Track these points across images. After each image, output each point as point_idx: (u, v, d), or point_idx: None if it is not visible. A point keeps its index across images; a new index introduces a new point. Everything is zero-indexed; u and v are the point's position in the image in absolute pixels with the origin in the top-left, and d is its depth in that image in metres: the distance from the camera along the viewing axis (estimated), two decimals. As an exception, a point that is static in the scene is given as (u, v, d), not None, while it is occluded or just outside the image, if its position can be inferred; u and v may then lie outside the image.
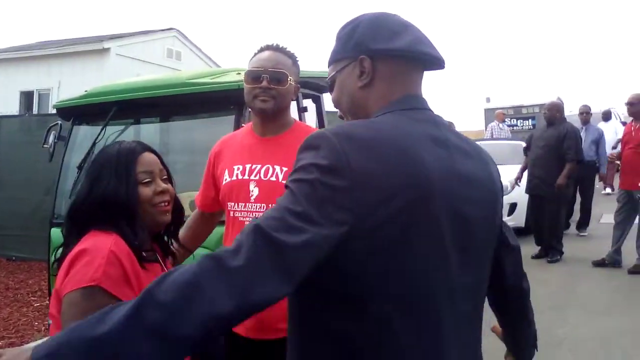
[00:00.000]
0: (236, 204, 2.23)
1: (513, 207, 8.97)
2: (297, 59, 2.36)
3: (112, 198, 1.63)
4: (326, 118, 4.86)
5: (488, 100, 19.30)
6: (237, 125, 3.58)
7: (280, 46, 2.33)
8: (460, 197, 1.21)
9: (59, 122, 4.49)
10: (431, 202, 1.15)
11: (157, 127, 4.42)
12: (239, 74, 3.92)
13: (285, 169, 2.18)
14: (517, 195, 8.63)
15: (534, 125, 17.49)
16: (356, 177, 1.09)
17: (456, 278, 1.20)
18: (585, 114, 9.72)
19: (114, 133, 4.07)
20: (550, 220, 7.70)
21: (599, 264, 7.19)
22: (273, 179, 2.17)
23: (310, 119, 4.79)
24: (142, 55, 10.48)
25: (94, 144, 4.12)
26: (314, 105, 4.98)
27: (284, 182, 2.16)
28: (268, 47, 2.30)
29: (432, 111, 1.32)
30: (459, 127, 12.22)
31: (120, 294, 1.50)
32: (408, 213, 1.11)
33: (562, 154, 7.44)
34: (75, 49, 12.64)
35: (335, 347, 1.15)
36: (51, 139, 4.50)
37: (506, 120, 15.50)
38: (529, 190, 7.96)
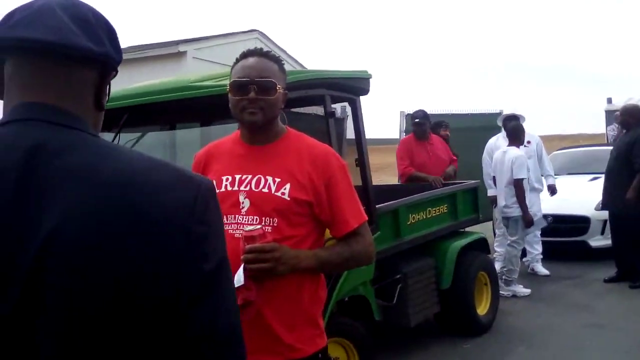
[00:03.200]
0: (226, 217, 2.15)
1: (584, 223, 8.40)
2: (283, 63, 2.29)
3: None
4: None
5: (609, 101, 18.00)
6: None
7: (265, 51, 2.27)
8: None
9: None
10: None
11: (166, 132, 4.33)
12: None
13: (278, 179, 2.14)
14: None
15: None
16: None
17: None
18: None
19: (129, 141, 4.03)
20: (632, 238, 6.98)
21: None
22: (265, 190, 2.12)
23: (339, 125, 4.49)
24: (222, 58, 10.59)
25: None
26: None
27: (276, 193, 2.06)
28: (252, 53, 2.23)
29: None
30: (574, 130, 11.43)
31: None
32: None
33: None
34: (151, 53, 12.94)
35: None
36: None
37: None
38: (603, 206, 7.27)
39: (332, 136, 4.17)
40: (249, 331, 2.18)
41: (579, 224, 8.51)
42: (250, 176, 2.16)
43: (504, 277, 6.89)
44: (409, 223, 5.10)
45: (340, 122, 8.61)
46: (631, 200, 6.75)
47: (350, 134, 4.94)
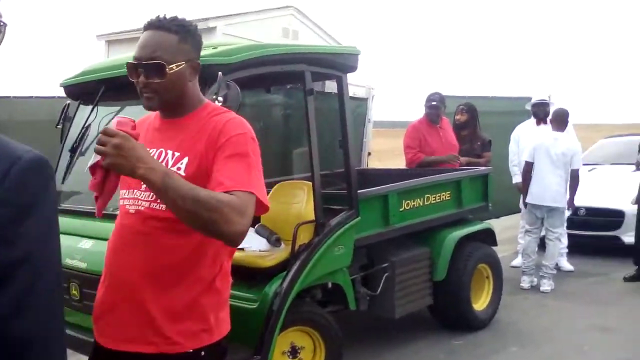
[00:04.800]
0: (127, 192, 2.09)
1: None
2: (189, 30, 2.09)
3: None
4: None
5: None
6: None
7: (164, 20, 2.07)
8: None
9: (69, 102, 4.45)
10: None
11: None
12: (215, 48, 3.65)
13: (177, 154, 2.02)
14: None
15: None
16: None
17: None
18: None
19: (108, 114, 3.99)
20: None
21: None
22: (162, 164, 1.94)
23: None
24: (254, 35, 10.45)
25: (86, 125, 4.08)
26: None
27: (172, 168, 1.94)
28: (148, 26, 2.07)
29: None
30: (626, 121, 10.95)
31: None
32: None
33: None
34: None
35: None
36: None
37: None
38: (636, 200, 6.88)
39: (310, 116, 4.04)
40: (122, 313, 2.11)
41: (613, 217, 8.10)
42: (154, 150, 2.04)
43: (548, 272, 6.74)
44: (401, 210, 4.92)
45: (362, 102, 8.43)
46: None
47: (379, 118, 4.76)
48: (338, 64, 4.28)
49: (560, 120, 6.83)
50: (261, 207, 1.96)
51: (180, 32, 2.04)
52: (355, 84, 8.18)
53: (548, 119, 7.34)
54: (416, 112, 6.79)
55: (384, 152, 16.67)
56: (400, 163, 7.22)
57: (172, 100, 2.05)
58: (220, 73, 3.02)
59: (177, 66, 2.00)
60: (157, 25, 2.04)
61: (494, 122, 8.34)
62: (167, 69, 1.98)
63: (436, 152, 6.43)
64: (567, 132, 6.98)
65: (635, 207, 7.58)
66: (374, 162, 10.50)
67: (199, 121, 2.06)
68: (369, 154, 9.97)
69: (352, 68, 4.37)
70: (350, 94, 8.05)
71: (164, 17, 2.07)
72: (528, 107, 7.85)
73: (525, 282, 6.81)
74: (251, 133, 2.04)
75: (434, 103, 6.56)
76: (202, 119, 2.07)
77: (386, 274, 4.79)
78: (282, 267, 3.96)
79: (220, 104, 2.74)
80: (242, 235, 1.88)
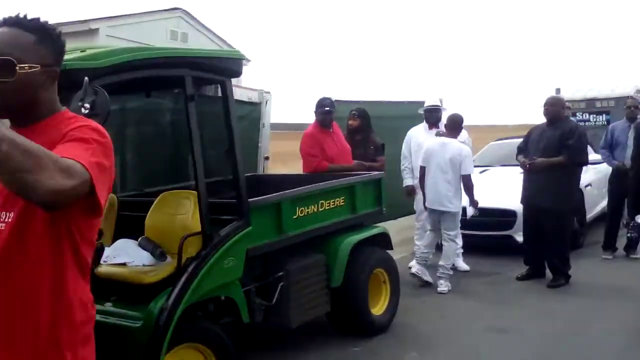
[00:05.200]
0: None
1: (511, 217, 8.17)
2: (50, 34, 1.87)
3: None
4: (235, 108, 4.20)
5: (558, 92, 17.97)
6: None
7: (23, 18, 1.84)
8: None
9: None
10: None
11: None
12: (84, 51, 3.40)
13: None
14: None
15: (608, 121, 16.12)
16: None
17: None
18: (634, 108, 8.58)
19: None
20: (555, 236, 6.86)
21: None
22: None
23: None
24: (140, 37, 10.18)
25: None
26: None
27: None
28: (3, 23, 1.83)
29: None
30: (518, 122, 11.36)
31: None
32: None
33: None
34: (63, 30, 12.09)
35: None
36: None
37: (577, 114, 14.44)
38: (525, 200, 7.11)
39: (192, 122, 3.86)
40: None
41: (506, 217, 8.30)
42: None
43: (444, 273, 6.82)
44: (295, 217, 4.80)
45: (256, 106, 8.26)
46: (536, 165, 6.74)
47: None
48: (221, 68, 4.12)
49: (453, 127, 6.96)
50: (94, 205, 1.68)
51: (39, 34, 1.82)
52: (250, 87, 8.05)
53: (441, 124, 7.48)
54: (310, 116, 6.66)
55: (288, 155, 16.56)
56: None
57: (18, 106, 1.80)
58: (86, 78, 2.79)
59: (29, 67, 1.76)
60: (13, 22, 1.82)
61: (387, 126, 8.39)
62: (17, 67, 1.73)
63: (334, 158, 6.35)
64: (460, 137, 7.13)
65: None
66: (278, 166, 10.39)
67: (49, 129, 1.82)
68: (267, 158, 9.83)
69: (236, 73, 4.21)
70: (244, 99, 7.95)
71: (24, 16, 1.85)
72: (421, 111, 7.95)
73: (414, 267, 7.00)
74: (105, 137, 1.80)
75: (326, 108, 6.50)
76: (54, 126, 1.82)
77: (281, 284, 4.66)
78: (169, 282, 3.77)
79: (87, 111, 2.51)
80: (59, 196, 1.54)
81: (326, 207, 5.15)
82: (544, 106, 6.98)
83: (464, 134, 7.62)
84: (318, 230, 5.03)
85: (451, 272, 6.94)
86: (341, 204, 5.33)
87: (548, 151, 6.82)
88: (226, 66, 4.14)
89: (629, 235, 6.19)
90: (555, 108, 6.94)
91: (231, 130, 4.15)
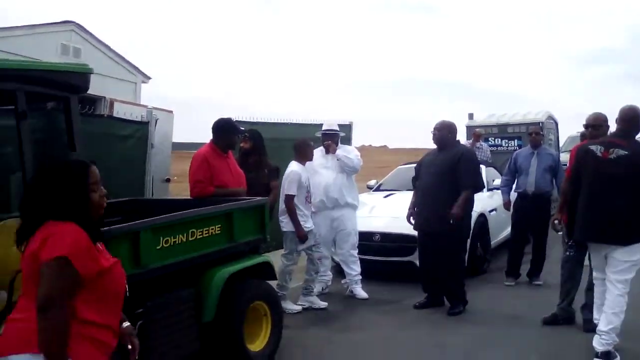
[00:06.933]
0: None
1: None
2: None
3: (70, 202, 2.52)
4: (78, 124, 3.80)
5: (471, 117, 18.24)
6: None
7: None
8: None
9: None
10: None
11: None
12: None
13: None
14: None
15: (519, 146, 16.44)
16: None
17: None
18: (535, 135, 8.61)
19: None
20: (449, 261, 6.75)
21: (549, 321, 6.28)
22: None
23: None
24: (26, 51, 9.64)
25: None
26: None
27: None
28: None
29: None
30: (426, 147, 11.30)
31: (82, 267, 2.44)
32: None
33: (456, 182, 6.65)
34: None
35: None
36: None
37: (490, 139, 14.65)
38: (418, 226, 6.96)
39: (25, 141, 3.44)
40: None
41: (407, 243, 8.11)
42: None
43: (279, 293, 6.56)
44: (159, 247, 4.40)
45: (143, 126, 7.88)
46: (458, 216, 6.56)
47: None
48: (63, 83, 3.76)
49: (298, 151, 7.07)
50: None
51: None
52: (144, 105, 7.66)
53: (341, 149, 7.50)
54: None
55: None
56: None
57: None
58: None
59: None
60: None
61: (282, 148, 8.13)
62: None
63: (228, 183, 5.97)
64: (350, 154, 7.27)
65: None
66: (183, 187, 9.96)
67: None
68: (168, 180, 9.38)
69: (82, 89, 3.85)
70: (128, 116, 7.54)
71: None
72: (318, 134, 7.75)
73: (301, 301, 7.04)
74: None
75: (246, 135, 6.19)
76: None
77: (140, 322, 4.24)
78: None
79: None
80: None
81: (198, 236, 4.78)
82: (432, 131, 6.92)
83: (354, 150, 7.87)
84: (187, 262, 4.66)
85: (280, 292, 6.66)
86: (217, 232, 4.96)
87: (438, 176, 6.74)
88: (70, 81, 3.79)
89: (567, 253, 6.11)
90: (442, 132, 6.91)
91: (75, 149, 3.75)
